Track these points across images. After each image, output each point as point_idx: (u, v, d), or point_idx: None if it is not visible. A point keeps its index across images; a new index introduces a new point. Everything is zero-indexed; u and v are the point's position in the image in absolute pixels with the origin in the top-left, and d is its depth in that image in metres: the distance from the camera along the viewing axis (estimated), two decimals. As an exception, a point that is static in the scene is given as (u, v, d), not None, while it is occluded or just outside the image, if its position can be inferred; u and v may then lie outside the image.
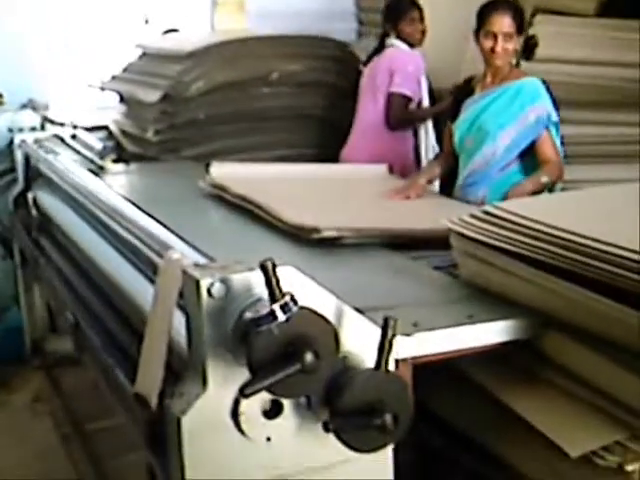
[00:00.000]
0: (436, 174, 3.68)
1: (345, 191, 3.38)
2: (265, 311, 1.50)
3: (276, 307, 1.49)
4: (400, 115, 4.46)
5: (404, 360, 1.79)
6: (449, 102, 3.81)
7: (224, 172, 3.43)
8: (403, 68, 4.46)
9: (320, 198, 3.23)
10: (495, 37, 3.31)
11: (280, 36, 4.81)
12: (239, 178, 3.31)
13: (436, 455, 2.12)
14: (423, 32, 4.57)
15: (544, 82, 3.41)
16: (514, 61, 3.48)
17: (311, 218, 2.66)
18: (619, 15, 4.46)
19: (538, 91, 3.37)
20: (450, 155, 3.63)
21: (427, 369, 1.87)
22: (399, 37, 4.53)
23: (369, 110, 4.53)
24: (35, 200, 3.65)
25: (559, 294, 1.87)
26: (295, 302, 1.51)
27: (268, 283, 1.50)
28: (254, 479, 1.67)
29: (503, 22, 3.31)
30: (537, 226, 1.96)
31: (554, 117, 3.34)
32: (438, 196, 3.65)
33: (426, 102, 4.58)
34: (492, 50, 3.33)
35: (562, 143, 3.43)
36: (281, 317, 1.49)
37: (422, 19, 4.56)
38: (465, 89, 3.58)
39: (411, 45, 4.54)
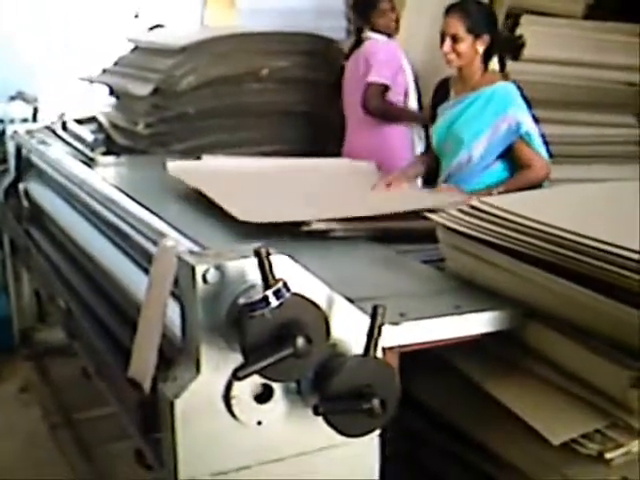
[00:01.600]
0: (420, 171, 3.73)
1: (322, 184, 3.39)
2: (258, 297, 1.54)
3: (269, 293, 1.53)
4: (376, 103, 4.49)
5: (391, 348, 1.83)
6: (426, 115, 3.89)
7: (182, 165, 3.45)
8: (377, 57, 4.51)
9: (295, 191, 3.24)
10: (444, 38, 3.37)
11: (271, 32, 4.83)
12: (198, 172, 3.33)
13: (421, 442, 2.16)
14: (397, 21, 4.62)
15: (517, 86, 3.44)
16: (479, 64, 3.44)
17: (262, 214, 2.64)
18: (606, 18, 4.52)
19: (509, 98, 3.38)
20: (432, 154, 3.68)
21: (413, 357, 1.92)
22: (373, 29, 4.58)
23: (357, 104, 4.57)
24: (26, 191, 3.67)
25: (542, 286, 1.92)
26: (288, 288, 1.55)
27: (262, 269, 1.54)
28: (245, 462, 1.71)
29: (450, 23, 3.37)
30: (522, 220, 2.01)
31: (525, 126, 3.34)
32: (420, 187, 3.71)
33: (413, 91, 4.63)
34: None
35: (546, 143, 3.45)
36: (274, 303, 1.53)
37: (393, 8, 4.61)
38: (440, 92, 3.62)
39: (388, 35, 4.59)
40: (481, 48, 3.38)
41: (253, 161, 3.78)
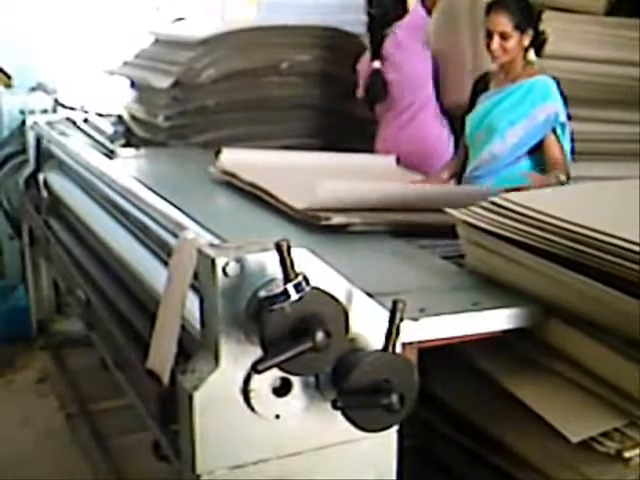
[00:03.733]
0: (455, 172, 3.69)
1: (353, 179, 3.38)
2: (278, 290, 1.54)
3: (289, 286, 1.53)
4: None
5: (410, 344, 1.83)
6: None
7: (233, 159, 3.46)
8: None
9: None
10: (491, 35, 3.35)
11: (291, 26, 4.82)
12: (248, 165, 3.33)
13: (438, 438, 2.16)
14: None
15: (556, 81, 3.44)
16: (521, 58, 3.42)
17: (317, 202, 2.70)
18: (628, 14, 4.49)
19: (549, 90, 3.39)
20: (465, 150, 3.67)
21: (432, 354, 1.92)
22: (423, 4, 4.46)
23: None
24: (46, 181, 3.68)
25: (562, 283, 1.91)
26: (308, 282, 1.55)
27: (282, 263, 1.54)
28: (262, 455, 1.71)
29: (497, 21, 3.33)
30: (542, 217, 2.00)
31: (562, 118, 3.36)
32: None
33: None
34: (488, 47, 3.37)
35: (571, 140, 3.45)
36: (294, 296, 1.53)
37: None
38: (481, 84, 3.61)
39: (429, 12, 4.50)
40: (527, 42, 3.40)
41: (294, 155, 3.85)
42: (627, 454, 1.76)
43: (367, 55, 4.45)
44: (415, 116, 4.42)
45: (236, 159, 3.46)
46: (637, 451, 1.77)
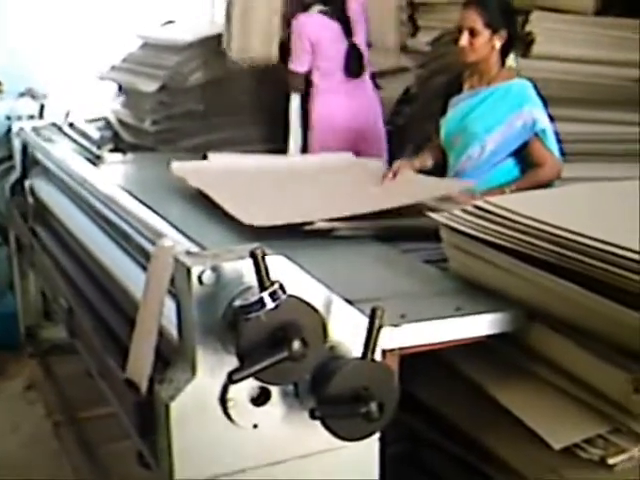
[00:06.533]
0: (428, 165, 3.62)
1: (328, 181, 3.33)
2: (254, 299, 1.52)
3: (265, 295, 1.51)
4: None
5: (391, 350, 1.81)
6: None
7: (186, 166, 3.41)
8: None
9: (299, 191, 3.22)
10: (461, 31, 3.32)
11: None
12: (203, 172, 3.29)
13: (422, 444, 2.14)
14: None
15: (533, 84, 3.40)
16: (496, 60, 3.40)
17: (265, 216, 2.62)
18: (617, 14, 4.48)
19: (526, 95, 3.35)
20: (438, 148, 3.63)
21: (416, 359, 1.90)
22: None
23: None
24: (32, 188, 3.66)
25: (546, 288, 1.89)
26: (284, 290, 1.53)
27: (257, 271, 1.52)
28: (241, 465, 1.69)
29: (467, 16, 3.32)
30: (525, 221, 1.99)
31: (541, 124, 3.32)
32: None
33: None
34: (457, 43, 3.35)
35: (559, 141, 3.43)
36: (269, 305, 1.51)
37: None
38: (453, 85, 3.57)
39: None
40: (498, 44, 3.34)
41: (257, 159, 3.75)
42: (611, 460, 1.74)
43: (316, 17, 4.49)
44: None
45: (189, 166, 3.40)
46: (621, 457, 1.75)
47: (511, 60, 3.58)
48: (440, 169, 3.62)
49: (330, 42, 4.48)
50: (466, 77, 3.51)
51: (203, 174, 3.24)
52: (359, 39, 4.55)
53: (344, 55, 4.49)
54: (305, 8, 4.52)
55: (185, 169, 3.31)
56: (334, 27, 4.51)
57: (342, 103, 4.55)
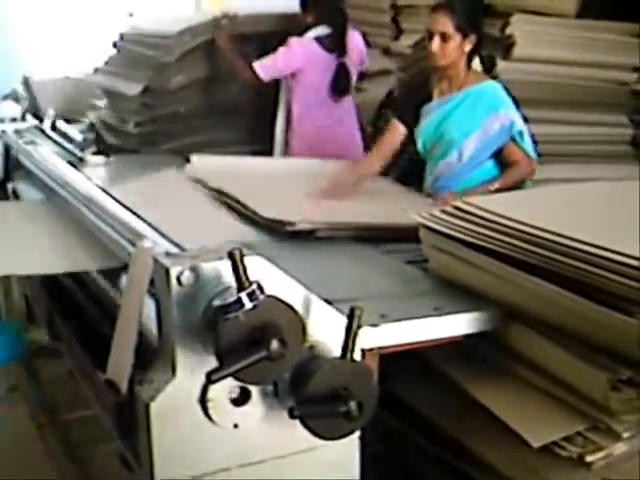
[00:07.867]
0: (376, 169, 3.55)
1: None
2: (232, 299, 1.53)
3: (243, 295, 1.52)
4: None
5: (371, 350, 1.82)
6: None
7: (202, 165, 3.45)
8: None
9: (295, 192, 3.25)
10: (432, 36, 3.28)
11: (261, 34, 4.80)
12: (216, 171, 3.33)
13: (402, 443, 2.15)
14: None
15: (503, 84, 3.40)
16: (464, 65, 3.36)
17: (286, 213, 2.69)
18: (598, 17, 4.50)
19: (500, 97, 3.34)
20: (390, 151, 3.55)
21: (396, 359, 1.91)
22: None
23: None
24: (15, 191, 3.66)
25: (523, 287, 1.91)
26: (262, 290, 1.54)
27: (235, 271, 1.53)
28: (222, 465, 1.70)
29: (438, 20, 3.27)
30: (503, 221, 2.00)
31: (517, 126, 3.31)
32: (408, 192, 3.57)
33: None
34: (427, 49, 3.32)
35: (535, 142, 3.43)
36: (248, 305, 1.52)
37: None
38: (422, 94, 3.51)
39: None
40: (468, 48, 3.31)
41: (264, 162, 3.85)
42: (589, 458, 1.76)
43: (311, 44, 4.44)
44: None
45: (204, 165, 3.45)
46: (599, 455, 1.76)
47: (476, 63, 3.55)
48: (417, 173, 3.62)
49: (315, 72, 4.45)
50: (435, 82, 3.47)
51: (218, 174, 3.28)
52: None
53: (331, 76, 4.46)
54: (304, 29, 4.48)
55: (201, 170, 3.40)
56: (324, 58, 4.45)
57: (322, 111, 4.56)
